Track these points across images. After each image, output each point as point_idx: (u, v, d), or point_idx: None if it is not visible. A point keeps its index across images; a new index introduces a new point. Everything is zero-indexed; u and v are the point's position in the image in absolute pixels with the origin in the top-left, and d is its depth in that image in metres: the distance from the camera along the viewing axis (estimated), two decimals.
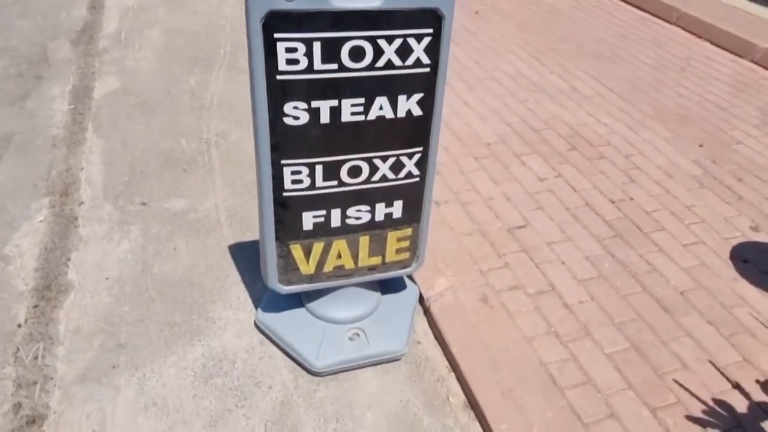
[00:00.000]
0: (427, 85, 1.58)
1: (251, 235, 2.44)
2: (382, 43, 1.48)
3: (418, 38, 1.51)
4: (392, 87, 1.55)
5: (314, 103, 1.51)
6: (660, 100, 3.70)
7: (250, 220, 2.52)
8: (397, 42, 1.49)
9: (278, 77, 1.46)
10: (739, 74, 4.13)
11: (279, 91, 1.48)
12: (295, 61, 1.45)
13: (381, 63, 1.51)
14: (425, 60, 1.54)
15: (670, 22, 5.01)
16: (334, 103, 1.53)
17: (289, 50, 1.43)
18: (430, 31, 1.51)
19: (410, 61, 1.53)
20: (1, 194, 2.53)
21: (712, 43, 4.62)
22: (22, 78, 3.47)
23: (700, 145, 3.21)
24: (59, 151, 2.86)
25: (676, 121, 3.46)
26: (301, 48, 1.43)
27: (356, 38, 1.45)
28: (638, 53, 4.40)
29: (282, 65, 1.44)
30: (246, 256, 2.33)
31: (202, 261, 2.29)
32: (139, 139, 3.02)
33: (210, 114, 3.30)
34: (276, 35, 1.40)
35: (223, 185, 2.74)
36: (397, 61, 1.52)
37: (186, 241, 2.38)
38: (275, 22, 1.39)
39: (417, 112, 1.62)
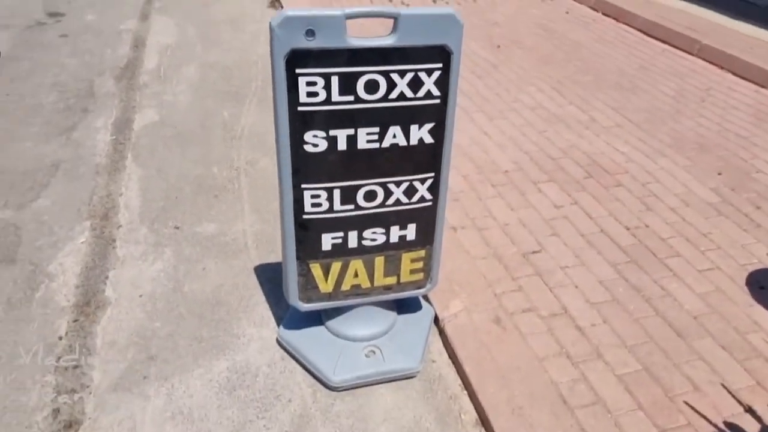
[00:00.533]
0: (437, 115, 1.70)
1: (275, 257, 2.57)
2: (394, 76, 1.61)
3: (429, 72, 1.63)
4: (405, 117, 1.68)
5: (332, 132, 1.65)
6: (679, 129, 3.75)
7: (275, 244, 2.65)
8: (409, 76, 1.62)
9: (299, 108, 1.60)
10: (761, 104, 4.15)
11: (300, 121, 1.62)
12: (315, 94, 1.59)
13: (394, 95, 1.64)
14: (435, 92, 1.67)
15: (691, 54, 5.07)
16: (351, 131, 1.66)
17: (309, 84, 1.57)
18: (440, 65, 1.63)
19: (421, 93, 1.66)
20: (49, 217, 2.73)
21: (733, 74, 4.65)
22: (70, 111, 3.74)
23: (719, 173, 3.23)
24: (101, 178, 3.07)
25: (695, 149, 3.49)
26: (320, 82, 1.57)
27: (371, 72, 1.59)
28: (658, 84, 4.46)
29: (303, 97, 1.59)
30: (270, 276, 2.45)
31: (230, 281, 2.42)
32: (174, 167, 3.21)
33: (240, 144, 3.49)
34: (297, 70, 1.55)
35: (250, 211, 2.89)
36: (409, 93, 1.65)
37: (215, 262, 2.52)
38: (297, 59, 1.54)
39: (429, 139, 1.73)
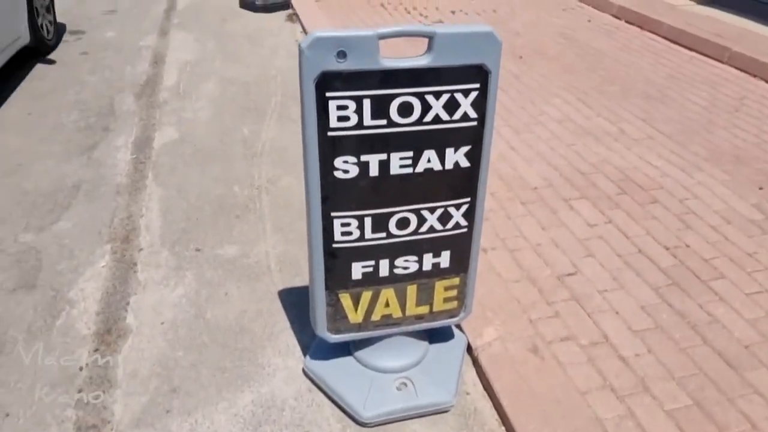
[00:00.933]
0: (474, 137, 1.61)
1: (300, 281, 2.49)
2: (429, 98, 1.52)
3: (465, 93, 1.54)
4: (440, 140, 1.59)
5: (364, 157, 1.56)
6: (714, 141, 3.61)
7: (299, 266, 2.57)
8: (445, 97, 1.53)
9: (329, 133, 1.52)
10: None
11: (330, 147, 1.53)
12: (346, 118, 1.50)
13: (429, 118, 1.55)
14: (472, 114, 1.58)
15: (721, 62, 4.91)
16: (383, 156, 1.57)
17: (340, 108, 1.49)
18: (477, 86, 1.54)
19: (457, 115, 1.56)
20: (70, 240, 2.68)
21: (766, 81, 4.49)
22: (91, 130, 3.71)
23: (760, 188, 3.09)
24: (122, 198, 3.02)
25: (732, 162, 3.35)
26: (352, 105, 1.49)
27: (405, 95, 1.50)
28: (689, 94, 4.32)
29: (333, 122, 1.50)
30: (295, 301, 2.37)
31: (253, 306, 2.34)
32: (194, 186, 3.16)
33: (261, 161, 3.43)
34: (328, 94, 1.47)
35: (273, 231, 2.81)
36: (444, 116, 1.56)
37: (237, 286, 2.45)
38: (327, 82, 1.46)
39: (464, 163, 1.64)
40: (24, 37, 4.31)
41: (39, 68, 4.61)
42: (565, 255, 2.57)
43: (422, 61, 1.48)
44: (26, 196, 3.00)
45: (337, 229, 1.65)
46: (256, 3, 6.37)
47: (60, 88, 4.31)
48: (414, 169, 1.61)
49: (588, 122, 3.85)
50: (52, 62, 4.69)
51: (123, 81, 4.47)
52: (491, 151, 1.67)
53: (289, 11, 6.39)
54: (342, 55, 1.43)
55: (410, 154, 1.58)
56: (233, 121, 3.90)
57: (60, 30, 5.19)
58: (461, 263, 1.82)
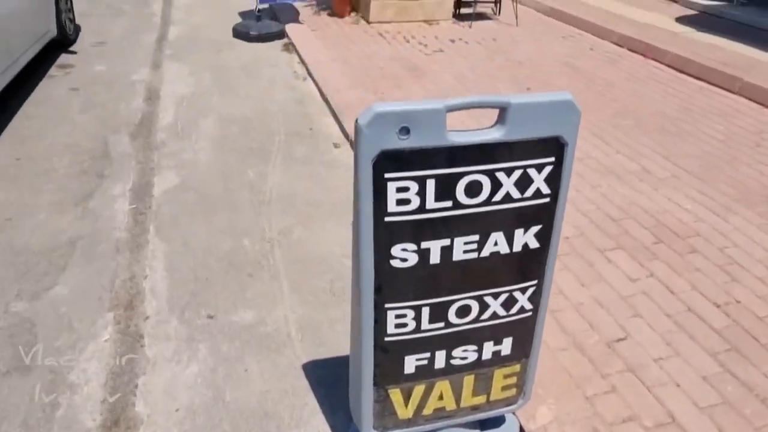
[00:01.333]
0: (545, 216, 1.43)
1: (325, 351, 2.27)
2: (500, 175, 1.34)
3: (539, 168, 1.36)
4: (509, 221, 1.40)
5: (424, 244, 1.36)
6: (740, 179, 3.48)
7: (321, 334, 2.35)
8: (517, 173, 1.35)
9: (387, 218, 1.32)
10: None
11: (387, 233, 1.33)
12: (406, 201, 1.31)
13: (498, 197, 1.36)
14: (545, 190, 1.39)
15: (732, 92, 4.84)
16: (446, 242, 1.37)
17: (400, 190, 1.29)
18: (552, 159, 1.36)
19: (529, 192, 1.38)
20: (68, 309, 2.43)
21: None
22: (86, 176, 3.47)
23: None
24: (122, 256, 2.78)
25: (765, 203, 3.22)
26: (414, 187, 1.30)
27: (473, 173, 1.32)
28: (705, 127, 4.21)
29: (391, 206, 1.31)
30: (322, 377, 2.14)
31: (276, 385, 2.11)
32: (200, 239, 2.93)
33: (270, 210, 3.21)
34: (387, 175, 1.28)
35: (290, 291, 2.59)
36: (515, 194, 1.37)
37: (257, 360, 2.22)
38: (386, 162, 1.26)
39: (533, 244, 1.45)
40: (52, 31, 5.16)
41: (27, 107, 4.36)
42: (611, 315, 2.38)
43: (494, 135, 1.30)
44: (17, 257, 2.74)
45: (391, 321, 1.45)
46: (251, 33, 6.20)
47: (50, 128, 4.06)
48: (479, 254, 1.41)
49: (608, 159, 3.71)
50: (73, 53, 5.54)
51: (117, 119, 4.24)
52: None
53: (285, 41, 6.23)
54: (405, 131, 1.24)
55: (476, 237, 1.39)
56: (237, 163, 3.69)
57: (77, 28, 6.06)
58: (523, 348, 1.62)
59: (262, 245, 2.92)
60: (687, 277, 2.62)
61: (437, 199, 1.32)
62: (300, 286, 2.63)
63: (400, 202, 1.31)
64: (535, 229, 1.43)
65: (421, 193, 1.30)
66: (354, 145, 1.26)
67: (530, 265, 1.49)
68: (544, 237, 1.45)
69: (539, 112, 1.30)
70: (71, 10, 5.81)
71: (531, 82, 5.04)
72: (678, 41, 5.87)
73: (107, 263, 2.73)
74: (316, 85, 4.96)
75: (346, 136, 4.02)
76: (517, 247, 1.44)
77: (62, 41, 5.50)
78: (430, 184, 1.30)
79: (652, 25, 6.47)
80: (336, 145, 3.99)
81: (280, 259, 2.82)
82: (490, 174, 1.33)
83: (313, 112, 4.52)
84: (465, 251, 1.40)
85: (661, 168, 3.62)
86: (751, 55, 5.43)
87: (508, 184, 1.35)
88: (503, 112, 1.29)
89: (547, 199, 1.41)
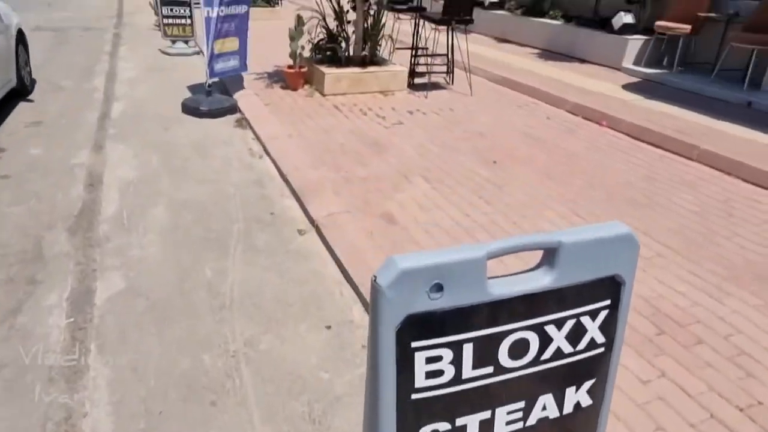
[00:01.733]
0: (600, 368, 1.16)
1: None
2: (550, 329, 1.07)
3: (593, 315, 1.11)
4: (559, 380, 1.13)
5: (460, 421, 1.07)
6: (724, 255, 3.39)
7: None
8: (569, 325, 1.09)
9: (414, 396, 1.02)
10: None
11: (413, 414, 1.03)
12: (438, 373, 1.02)
13: (548, 354, 1.09)
14: (600, 339, 1.14)
15: (692, 159, 4.89)
16: (486, 415, 1.08)
17: (430, 360, 1.01)
18: (608, 303, 1.12)
19: (583, 344, 1.12)
20: None
21: (745, 181, 4.45)
22: (14, 284, 3.00)
23: None
24: (56, 388, 2.33)
25: (755, 281, 3.11)
26: (447, 355, 1.01)
27: (519, 330, 1.05)
28: (674, 197, 4.18)
29: (420, 381, 1.01)
30: None
31: None
32: (152, 359, 2.51)
33: (232, 315, 2.84)
34: (414, 344, 0.99)
35: (262, 422, 2.21)
36: (567, 348, 1.11)
37: None
38: (413, 328, 0.98)
39: (586, 402, 1.18)
40: (13, 81, 5.75)
41: None
42: (629, 429, 2.12)
43: (543, 282, 1.04)
44: None
45: None
46: (201, 108, 5.92)
47: None
48: (524, 423, 1.13)
49: None
50: (31, 101, 6.09)
51: (53, 212, 3.79)
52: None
53: (237, 115, 5.98)
54: (437, 288, 0.96)
55: (521, 405, 1.11)
56: (191, 259, 3.31)
57: (33, 81, 6.67)
58: None
59: (226, 361, 2.53)
60: (699, 374, 2.41)
61: (475, 366, 1.04)
62: (273, 413, 2.25)
63: (430, 374, 1.01)
64: (588, 384, 1.17)
65: (457, 362, 1.02)
66: (370, 308, 0.98)
67: (581, 426, 1.21)
68: (598, 392, 1.19)
69: (593, 249, 1.06)
70: (28, 63, 6.50)
71: (495, 154, 4.95)
72: (630, 109, 6.00)
73: (38, 399, 2.27)
74: (274, 163, 4.70)
75: (311, 221, 3.73)
76: (568, 408, 1.16)
77: (21, 91, 6.11)
78: (468, 349, 1.02)
79: (602, 93, 6.63)
80: (301, 232, 3.68)
81: (247, 378, 2.44)
82: (539, 329, 1.06)
83: (272, 194, 4.22)
84: (508, 422, 1.11)
85: (644, 246, 3.49)
86: (703, 122, 5.57)
87: (559, 339, 1.09)
88: (552, 252, 1.04)
89: (602, 349, 1.15)
